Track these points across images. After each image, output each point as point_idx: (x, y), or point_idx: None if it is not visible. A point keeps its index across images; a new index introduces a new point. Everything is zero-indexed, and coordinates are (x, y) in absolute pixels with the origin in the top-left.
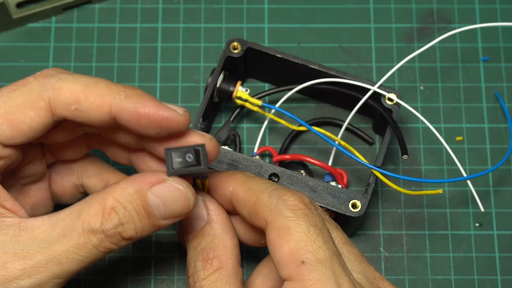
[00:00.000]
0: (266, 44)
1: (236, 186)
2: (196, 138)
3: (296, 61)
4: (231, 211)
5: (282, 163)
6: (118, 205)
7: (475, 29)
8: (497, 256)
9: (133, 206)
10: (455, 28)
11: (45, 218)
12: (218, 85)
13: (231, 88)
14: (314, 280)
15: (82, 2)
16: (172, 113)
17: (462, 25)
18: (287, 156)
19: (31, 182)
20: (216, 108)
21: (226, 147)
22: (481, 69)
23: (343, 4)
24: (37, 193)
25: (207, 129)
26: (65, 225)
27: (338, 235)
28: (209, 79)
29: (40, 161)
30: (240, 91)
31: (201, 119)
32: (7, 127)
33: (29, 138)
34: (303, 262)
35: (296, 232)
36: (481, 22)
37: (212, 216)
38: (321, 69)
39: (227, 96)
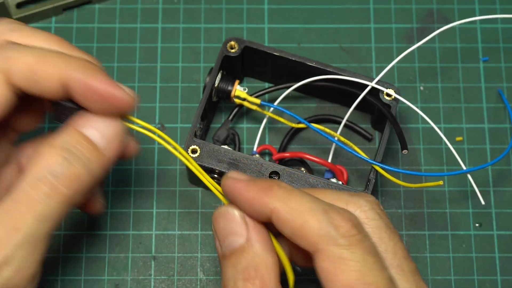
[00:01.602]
0: (266, 44)
1: (277, 205)
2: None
3: (293, 58)
4: (267, 224)
5: (282, 161)
6: (58, 150)
7: (475, 29)
8: (497, 256)
9: (72, 145)
10: (455, 28)
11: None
12: (216, 84)
13: (229, 88)
14: None
15: (82, 2)
16: (122, 93)
17: (462, 25)
18: (286, 154)
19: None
20: (215, 107)
21: (225, 147)
22: (481, 69)
23: (343, 4)
24: (9, 176)
25: (206, 128)
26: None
27: (400, 248)
28: (207, 79)
29: (4, 142)
30: (238, 90)
31: (199, 119)
32: None
33: None
34: None
35: (352, 262)
36: (481, 22)
37: (252, 233)
38: (319, 66)
39: (226, 96)
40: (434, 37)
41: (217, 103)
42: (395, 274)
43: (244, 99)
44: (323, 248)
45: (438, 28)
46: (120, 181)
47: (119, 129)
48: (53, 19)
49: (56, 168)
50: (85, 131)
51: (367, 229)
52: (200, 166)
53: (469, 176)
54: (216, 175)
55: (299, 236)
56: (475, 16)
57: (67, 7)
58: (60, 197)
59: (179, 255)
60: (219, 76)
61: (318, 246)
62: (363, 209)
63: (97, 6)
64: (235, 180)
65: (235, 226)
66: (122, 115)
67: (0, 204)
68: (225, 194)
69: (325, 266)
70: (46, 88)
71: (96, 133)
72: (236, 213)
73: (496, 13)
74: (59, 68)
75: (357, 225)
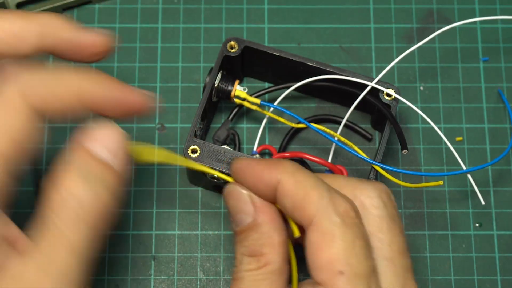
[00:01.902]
0: (266, 44)
1: (284, 176)
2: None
3: (293, 58)
4: (269, 200)
5: None
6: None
7: (475, 29)
8: (497, 256)
9: (86, 168)
10: (455, 28)
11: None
12: (216, 84)
13: (229, 87)
14: None
15: (82, 2)
16: (139, 96)
17: (462, 25)
18: (287, 154)
19: None
20: (215, 107)
21: (225, 147)
22: (481, 69)
23: (343, 4)
24: None
25: (206, 128)
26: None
27: (398, 241)
28: (207, 79)
29: None
30: (238, 90)
31: (199, 119)
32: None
33: None
34: (341, 272)
35: (341, 241)
36: (481, 23)
37: (259, 212)
38: (319, 66)
39: (226, 96)
40: (434, 37)
41: (217, 103)
42: (384, 267)
43: (244, 99)
44: (317, 221)
45: (438, 28)
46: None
47: (122, 139)
48: None
49: (80, 195)
50: (93, 148)
51: (369, 216)
52: None
53: (469, 176)
54: (215, 175)
55: (299, 207)
56: (475, 16)
57: (67, 7)
58: (88, 225)
59: (179, 255)
60: (219, 76)
61: (313, 219)
62: (369, 195)
63: (97, 6)
64: (246, 159)
65: (243, 205)
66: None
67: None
68: (234, 174)
69: (313, 239)
70: (64, 108)
71: (104, 149)
72: (243, 191)
73: (496, 13)
74: (77, 88)
75: (356, 211)
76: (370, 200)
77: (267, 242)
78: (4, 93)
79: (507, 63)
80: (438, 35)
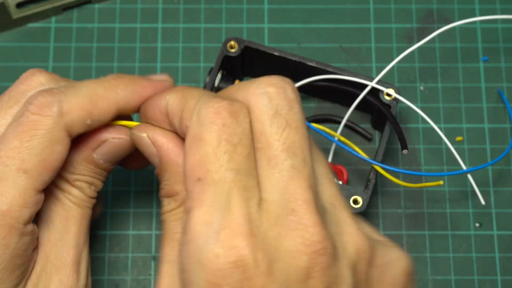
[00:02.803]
0: (266, 44)
1: (171, 96)
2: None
3: (293, 58)
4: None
5: None
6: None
7: (475, 29)
8: (497, 256)
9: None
10: (455, 28)
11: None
12: (216, 84)
13: None
14: (199, 200)
15: (82, 2)
16: (163, 82)
17: (462, 25)
18: None
19: None
20: None
21: None
22: (481, 69)
23: (343, 4)
24: None
25: None
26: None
27: (285, 138)
28: (207, 79)
29: None
30: None
31: None
32: (45, 173)
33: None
34: (199, 179)
35: (206, 144)
36: (481, 22)
37: (163, 151)
38: (319, 66)
39: None
40: (434, 37)
41: None
42: (265, 171)
43: None
44: (189, 126)
45: (438, 28)
46: (120, 181)
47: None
48: (53, 19)
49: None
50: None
51: (253, 115)
52: None
53: (469, 176)
54: None
55: (180, 120)
56: (475, 16)
57: (67, 7)
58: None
59: None
60: (219, 76)
61: (187, 125)
62: (254, 92)
63: (97, 6)
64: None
65: (147, 148)
66: None
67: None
68: (141, 116)
69: (185, 146)
70: (104, 121)
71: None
72: (142, 135)
73: (496, 13)
74: (110, 99)
75: (233, 112)
76: (254, 97)
77: (177, 179)
78: (48, 127)
79: (507, 63)
80: (438, 35)
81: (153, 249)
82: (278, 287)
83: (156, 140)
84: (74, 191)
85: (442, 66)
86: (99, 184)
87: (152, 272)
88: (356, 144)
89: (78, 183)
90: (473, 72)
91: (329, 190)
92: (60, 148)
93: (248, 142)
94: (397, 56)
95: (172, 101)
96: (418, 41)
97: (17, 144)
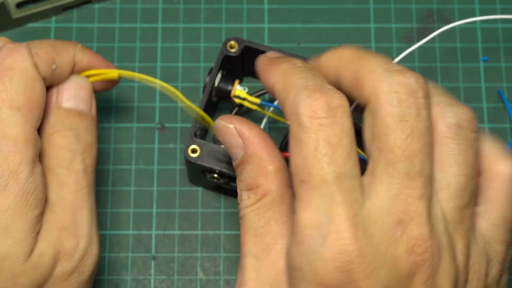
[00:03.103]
0: (266, 44)
1: (276, 80)
2: None
3: None
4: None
5: None
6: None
7: (475, 29)
8: None
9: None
10: (455, 28)
11: None
12: (216, 84)
13: (229, 87)
14: (304, 203)
15: (82, 2)
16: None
17: (462, 25)
18: (287, 154)
19: None
20: (215, 107)
21: None
22: (481, 69)
23: (343, 4)
24: None
25: (205, 129)
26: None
27: (404, 145)
28: (207, 79)
29: None
30: (238, 90)
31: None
32: (35, 109)
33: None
34: (302, 181)
35: (305, 147)
36: (481, 22)
37: (249, 144)
38: None
39: (226, 95)
40: (434, 37)
41: (217, 103)
42: (377, 170)
43: (244, 99)
44: (290, 126)
45: (438, 28)
46: (120, 181)
47: (89, 87)
48: (53, 19)
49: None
50: (66, 104)
51: (373, 109)
52: (200, 166)
53: None
54: (215, 175)
55: (283, 107)
56: (475, 16)
57: (67, 7)
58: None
59: (179, 255)
60: (219, 76)
61: (288, 123)
62: (383, 89)
63: (97, 6)
64: (264, 57)
65: (232, 139)
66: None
67: None
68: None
69: (289, 145)
70: (63, 72)
71: (74, 101)
72: (229, 125)
73: (496, 13)
74: (70, 52)
75: (331, 107)
76: (383, 95)
77: (260, 172)
78: (21, 66)
79: (507, 63)
80: (438, 35)
81: (153, 249)
82: None
83: (243, 132)
84: None
85: (442, 66)
86: None
87: (152, 272)
88: (357, 143)
89: None
90: (473, 72)
91: (452, 202)
92: (39, 85)
93: (348, 140)
94: (397, 56)
95: (276, 86)
96: (418, 41)
97: (1, 88)
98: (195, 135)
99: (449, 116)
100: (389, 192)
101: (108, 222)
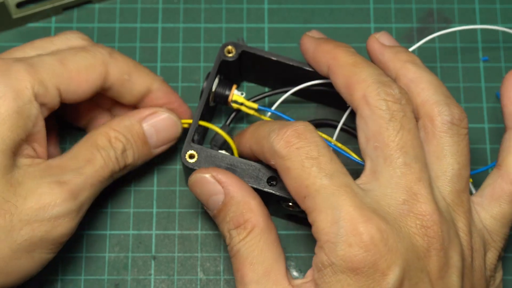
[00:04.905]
0: (266, 44)
1: (250, 144)
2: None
3: (290, 63)
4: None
5: None
6: (119, 135)
7: (475, 29)
8: None
9: (131, 135)
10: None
11: (64, 155)
12: (213, 89)
13: (227, 92)
14: (315, 210)
15: (82, 2)
16: (187, 110)
17: (462, 25)
18: None
19: None
20: (212, 112)
21: (223, 152)
22: (481, 69)
23: (343, 4)
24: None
25: (203, 133)
26: (85, 154)
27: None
28: (204, 84)
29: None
30: (236, 95)
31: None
32: (73, 85)
33: (80, 99)
34: (305, 197)
35: (293, 170)
36: (481, 22)
37: (228, 187)
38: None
39: (223, 100)
40: (434, 37)
41: (214, 107)
42: (379, 167)
43: (241, 104)
44: (273, 163)
45: (438, 27)
46: (120, 181)
47: (176, 131)
48: (53, 18)
49: (117, 152)
50: (144, 126)
51: (370, 114)
52: None
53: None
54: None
55: (264, 158)
56: (475, 16)
57: (67, 7)
58: (112, 173)
59: (179, 255)
60: (217, 80)
61: (272, 162)
62: (373, 98)
63: (97, 5)
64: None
65: (211, 187)
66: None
67: (77, 164)
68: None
69: (281, 177)
70: (134, 92)
71: (154, 133)
72: (205, 175)
73: (496, 13)
74: (148, 79)
75: (299, 133)
76: (374, 102)
77: (245, 208)
78: (94, 57)
79: (507, 63)
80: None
81: (153, 249)
82: (401, 263)
83: (220, 178)
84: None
85: (442, 66)
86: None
87: (152, 271)
88: (354, 148)
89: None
90: (473, 72)
91: (448, 186)
92: (94, 77)
93: (326, 150)
94: None
95: (254, 147)
96: (418, 41)
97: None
98: (193, 141)
99: (445, 114)
100: (391, 181)
101: (108, 222)
